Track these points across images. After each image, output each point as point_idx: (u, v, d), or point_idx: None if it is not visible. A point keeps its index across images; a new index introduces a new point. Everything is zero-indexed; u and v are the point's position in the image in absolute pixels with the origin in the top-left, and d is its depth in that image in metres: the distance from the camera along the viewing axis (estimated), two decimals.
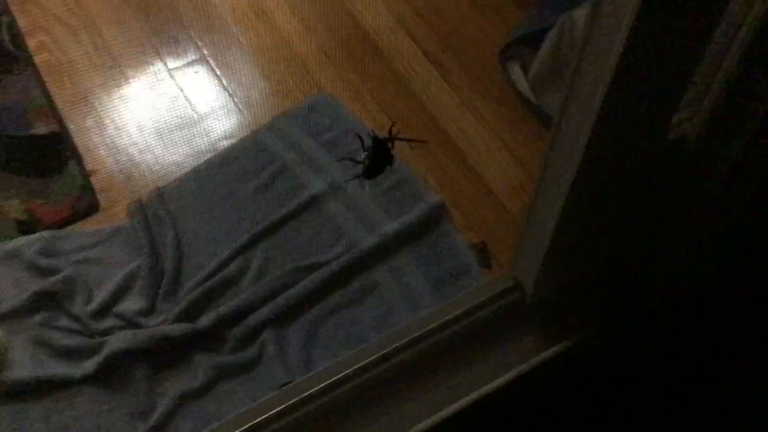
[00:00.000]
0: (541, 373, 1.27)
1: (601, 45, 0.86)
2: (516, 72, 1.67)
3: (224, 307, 1.32)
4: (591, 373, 1.34)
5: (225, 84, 1.62)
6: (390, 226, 1.44)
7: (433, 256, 1.43)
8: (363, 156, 1.20)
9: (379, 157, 1.19)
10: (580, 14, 1.55)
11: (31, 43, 1.62)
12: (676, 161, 1.20)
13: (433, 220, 1.47)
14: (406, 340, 1.28)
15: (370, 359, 1.25)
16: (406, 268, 1.41)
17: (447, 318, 1.31)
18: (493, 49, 1.69)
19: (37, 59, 1.60)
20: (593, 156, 1.01)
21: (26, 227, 1.40)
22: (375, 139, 1.19)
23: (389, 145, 1.20)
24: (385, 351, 1.26)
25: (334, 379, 1.21)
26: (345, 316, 1.36)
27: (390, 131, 1.20)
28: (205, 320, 1.31)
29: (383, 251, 1.42)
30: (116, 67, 1.61)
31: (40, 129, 1.51)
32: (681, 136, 1.17)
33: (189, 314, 1.32)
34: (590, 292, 1.33)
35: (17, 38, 1.61)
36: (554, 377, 1.30)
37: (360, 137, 1.20)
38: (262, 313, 1.32)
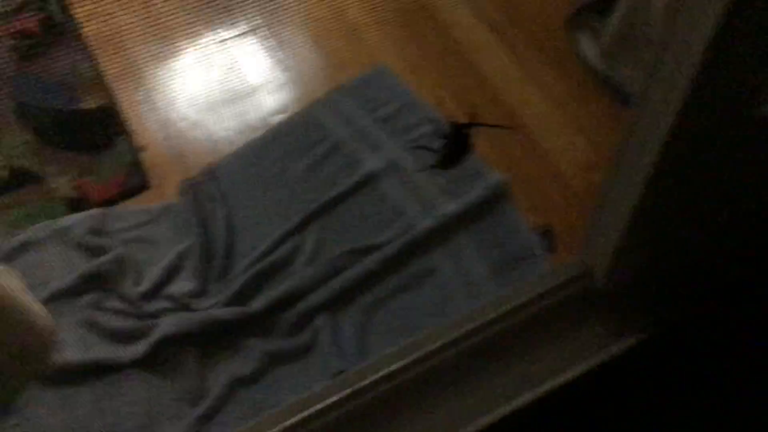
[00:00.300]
0: (612, 367, 1.19)
1: (694, 12, 0.77)
2: (585, 41, 1.56)
3: (276, 290, 1.27)
4: (664, 369, 1.26)
5: (278, 56, 1.55)
6: (449, 207, 1.36)
7: (494, 240, 1.35)
8: (439, 144, 1.11)
9: (456, 146, 1.10)
10: None
11: (80, 13, 1.57)
12: (766, 143, 1.09)
13: (494, 201, 1.38)
14: (465, 329, 1.21)
15: (427, 349, 1.18)
16: (466, 252, 1.34)
17: (510, 307, 1.24)
18: (559, 17, 1.58)
19: (85, 29, 1.55)
20: (679, 134, 0.92)
21: (75, 205, 1.36)
22: (454, 125, 1.09)
23: (468, 132, 1.10)
24: (443, 341, 1.20)
25: (389, 369, 1.15)
26: (401, 302, 1.30)
27: (471, 116, 1.11)
28: (256, 304, 1.26)
29: (441, 233, 1.35)
30: (167, 38, 1.56)
31: (90, 103, 1.47)
32: None
33: (240, 297, 1.27)
34: (667, 282, 1.24)
35: (66, 7, 1.57)
36: (625, 372, 1.22)
37: (436, 123, 1.11)
38: (315, 297, 1.27)
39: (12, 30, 1.53)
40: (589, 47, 1.55)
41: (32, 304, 1.14)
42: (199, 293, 1.28)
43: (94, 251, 1.31)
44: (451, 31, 1.59)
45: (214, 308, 1.25)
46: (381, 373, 1.16)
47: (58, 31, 1.55)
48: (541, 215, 1.39)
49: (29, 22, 1.55)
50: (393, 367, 1.16)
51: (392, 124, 1.46)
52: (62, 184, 1.38)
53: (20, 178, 1.38)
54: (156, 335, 1.22)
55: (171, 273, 1.30)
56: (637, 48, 1.49)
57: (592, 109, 1.50)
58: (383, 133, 1.44)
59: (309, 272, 1.29)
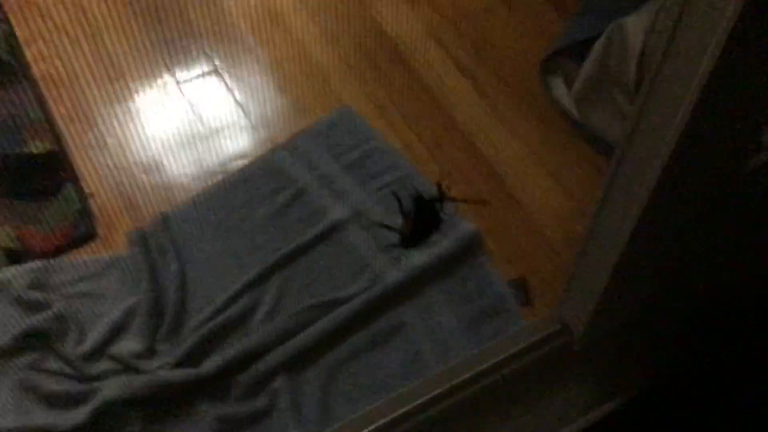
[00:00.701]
0: None
1: (686, 59, 0.71)
2: (558, 86, 1.51)
3: (231, 349, 1.17)
4: None
5: (238, 98, 1.48)
6: (418, 259, 1.28)
7: (465, 293, 1.28)
8: (401, 222, 0.98)
9: (422, 222, 0.98)
10: (632, 22, 1.39)
11: (29, 53, 1.49)
12: (752, 193, 1.04)
13: (466, 252, 1.31)
14: (437, 391, 1.13)
15: (396, 413, 1.10)
16: (436, 306, 1.26)
17: (484, 366, 1.16)
18: (532, 61, 1.53)
19: (35, 70, 1.47)
20: (665, 188, 0.85)
21: (16, 256, 1.26)
22: (418, 200, 0.96)
23: (437, 205, 0.97)
24: (413, 404, 1.12)
25: None
26: (368, 360, 1.21)
27: (439, 188, 0.98)
28: (209, 365, 1.16)
29: (411, 286, 1.27)
30: (120, 79, 1.48)
31: (36, 147, 1.37)
32: (761, 165, 1.01)
33: (192, 358, 1.17)
34: (651, 341, 1.17)
35: (14, 48, 1.49)
36: None
37: (398, 198, 0.97)
38: (274, 357, 1.18)
39: None
40: (562, 92, 1.51)
41: None
42: (147, 353, 1.17)
43: (35, 308, 1.20)
44: (421, 74, 1.53)
45: (162, 370, 1.15)
46: None
47: (5, 71, 1.46)
48: (515, 266, 1.32)
49: None
50: None
51: (358, 170, 1.38)
52: (2, 233, 1.28)
53: None
54: (98, 400, 1.12)
55: (116, 331, 1.20)
56: (611, 94, 1.44)
57: (567, 155, 1.45)
58: (349, 180, 1.37)
59: (267, 329, 1.20)
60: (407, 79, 1.52)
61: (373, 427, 1.08)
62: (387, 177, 1.37)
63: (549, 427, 1.10)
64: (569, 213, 1.37)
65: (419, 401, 1.10)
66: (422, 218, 0.95)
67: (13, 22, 1.52)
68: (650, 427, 1.14)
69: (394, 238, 0.96)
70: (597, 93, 1.45)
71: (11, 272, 1.24)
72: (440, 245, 1.30)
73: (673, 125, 0.76)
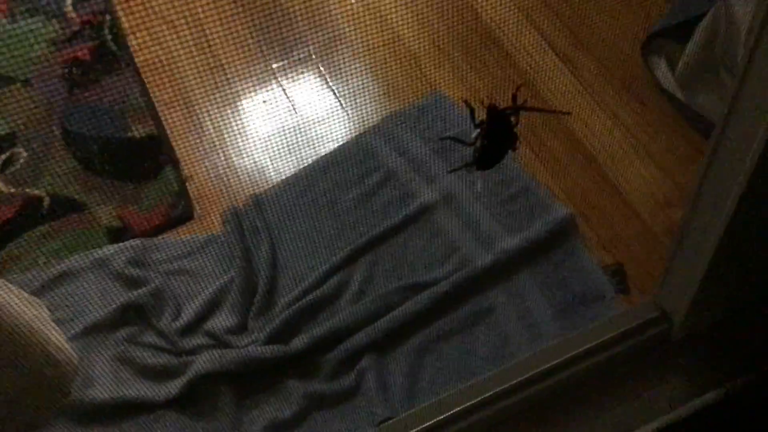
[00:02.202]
0: (689, 425, 1.05)
1: None
2: (661, 67, 1.45)
3: (320, 328, 1.18)
4: (749, 428, 1.11)
5: (331, 84, 1.49)
6: (510, 242, 1.26)
7: (559, 278, 1.24)
8: (474, 136, 0.87)
9: (496, 138, 0.88)
10: (739, 1, 1.32)
11: (133, 42, 1.55)
12: None
13: (560, 237, 1.27)
14: (526, 376, 1.10)
15: (483, 397, 1.08)
16: (527, 291, 1.23)
17: (576, 352, 1.12)
18: (632, 43, 1.47)
19: (138, 58, 1.52)
20: (764, 167, 0.80)
21: (117, 234, 1.31)
22: (492, 110, 0.85)
23: (512, 119, 0.86)
24: (501, 388, 1.09)
25: (439, 419, 1.05)
26: (455, 344, 1.19)
27: (514, 98, 0.87)
28: (298, 342, 1.17)
29: (501, 271, 1.24)
30: (218, 67, 1.51)
31: (138, 131, 1.43)
32: None
33: (282, 335, 1.19)
34: (753, 328, 1.10)
35: (119, 37, 1.55)
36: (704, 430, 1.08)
37: (470, 107, 0.83)
38: (362, 337, 1.17)
39: (65, 58, 1.52)
40: (665, 74, 1.44)
41: (53, 336, 1.08)
42: (239, 329, 1.20)
43: (133, 283, 1.25)
44: (515, 58, 1.50)
45: (253, 346, 1.16)
46: (430, 423, 1.05)
47: (110, 59, 1.52)
48: (611, 253, 1.27)
49: (82, 50, 1.53)
50: (443, 417, 1.05)
51: (450, 153, 1.37)
52: (104, 213, 1.33)
53: (62, 207, 1.33)
54: (192, 373, 1.15)
55: (211, 307, 1.22)
56: (717, 75, 1.37)
57: (669, 138, 1.38)
58: (439, 164, 1.35)
59: (356, 310, 1.20)
60: (501, 64, 1.49)
61: (459, 409, 1.06)
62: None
63: (642, 417, 1.05)
64: (671, 199, 1.31)
65: (507, 386, 1.07)
66: (496, 131, 0.85)
67: (119, 12, 1.59)
68: (746, 421, 1.07)
69: (467, 156, 0.87)
70: (703, 74, 1.38)
71: (112, 249, 1.29)
72: (533, 229, 1.27)
73: None
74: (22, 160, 1.38)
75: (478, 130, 0.83)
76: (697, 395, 1.05)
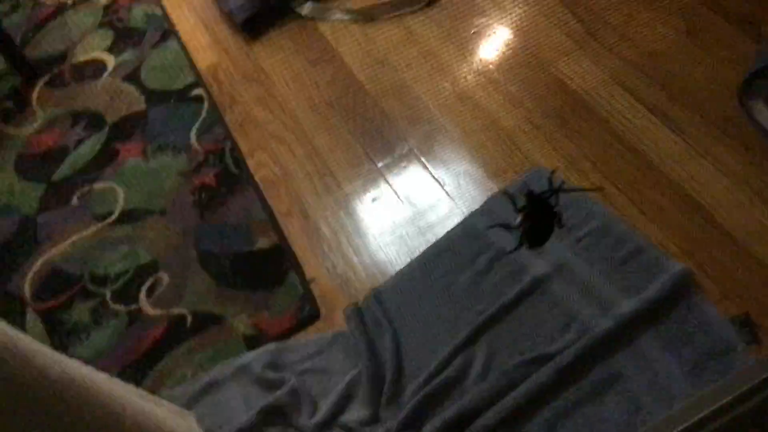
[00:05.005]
0: None
1: None
2: (761, 109, 1.43)
3: (449, 411, 1.21)
4: None
5: (435, 174, 1.56)
6: (627, 305, 1.26)
7: (684, 336, 1.22)
8: (518, 220, 0.98)
9: (539, 218, 0.97)
10: None
11: (251, 162, 1.69)
12: None
13: (679, 293, 1.26)
14: None
15: None
16: (653, 353, 1.21)
17: (711, 409, 1.09)
18: (727, 89, 1.47)
19: (256, 176, 1.66)
20: None
21: (253, 341, 1.41)
22: (530, 195, 0.96)
23: (551, 200, 0.96)
24: None
25: None
26: (586, 414, 1.19)
27: (550, 182, 0.97)
28: (429, 427, 1.21)
29: (623, 335, 1.24)
30: (329, 173, 1.63)
31: (263, 243, 1.54)
32: None
33: (413, 421, 1.23)
34: None
35: (238, 160, 1.70)
36: None
37: (511, 197, 0.96)
38: (491, 415, 1.20)
39: (194, 186, 1.68)
40: (766, 114, 1.42)
41: None
42: (372, 420, 1.25)
43: (272, 385, 1.33)
44: (609, 122, 1.53)
45: None
46: None
47: (233, 181, 1.67)
48: (735, 303, 1.24)
49: (208, 176, 1.69)
50: None
51: (557, 222, 1.39)
52: (240, 322, 1.44)
53: (204, 322, 1.46)
54: None
55: (344, 401, 1.29)
56: None
57: None
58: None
59: (482, 388, 1.23)
60: (595, 128, 1.52)
61: None
62: (585, 228, 1.37)
63: None
64: None
65: None
66: (536, 214, 0.94)
67: (236, 137, 1.74)
68: None
69: (516, 238, 0.97)
70: None
71: (250, 356, 1.38)
72: (650, 289, 1.27)
73: None
74: (164, 284, 1.53)
75: (521, 216, 0.92)
76: None
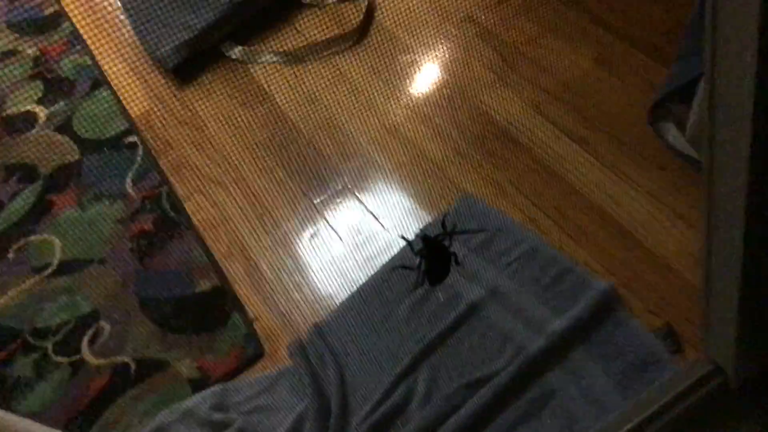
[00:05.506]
0: None
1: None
2: (672, 131, 1.52)
3: None
4: None
5: (369, 207, 1.61)
6: (558, 324, 1.32)
7: (613, 350, 1.28)
8: (418, 261, 1.10)
9: (437, 260, 1.08)
10: None
11: (189, 206, 1.71)
12: None
13: (605, 310, 1.32)
14: None
15: None
16: (585, 368, 1.27)
17: (641, 418, 1.16)
18: (640, 114, 1.56)
19: (194, 220, 1.68)
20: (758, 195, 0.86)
21: (199, 384, 1.42)
22: (425, 239, 1.09)
23: (445, 242, 1.08)
24: None
25: None
26: (526, 430, 1.23)
27: (443, 225, 1.10)
28: None
29: (556, 352, 1.30)
30: (266, 213, 1.66)
31: (204, 285, 1.56)
32: None
33: None
34: None
35: (176, 205, 1.72)
36: None
37: (406, 240, 1.07)
38: None
39: (132, 233, 1.69)
40: (677, 136, 1.51)
41: None
42: None
43: (219, 427, 1.34)
44: (533, 150, 1.60)
45: None
46: None
47: (171, 226, 1.68)
48: (659, 316, 1.31)
49: (145, 222, 1.70)
50: None
51: (486, 251, 1.45)
52: (185, 366, 1.45)
53: (148, 368, 1.46)
54: None
55: None
56: None
57: (692, 197, 1.44)
58: (479, 261, 1.44)
59: (426, 414, 1.27)
60: (520, 156, 1.59)
61: None
62: (514, 252, 1.43)
63: None
64: None
65: None
66: (434, 256, 1.07)
67: (173, 182, 1.76)
68: None
69: (417, 277, 1.09)
70: None
71: (196, 399, 1.39)
72: (577, 307, 1.33)
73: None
74: (106, 333, 1.53)
75: (420, 258, 1.03)
76: None
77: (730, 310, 1.02)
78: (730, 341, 1.07)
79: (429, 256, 1.06)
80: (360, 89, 1.84)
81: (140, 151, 1.85)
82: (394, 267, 1.41)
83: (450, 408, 1.27)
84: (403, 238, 1.07)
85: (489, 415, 1.25)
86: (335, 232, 1.59)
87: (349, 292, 1.48)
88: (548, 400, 1.25)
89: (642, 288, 1.35)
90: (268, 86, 1.92)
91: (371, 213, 1.60)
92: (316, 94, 1.87)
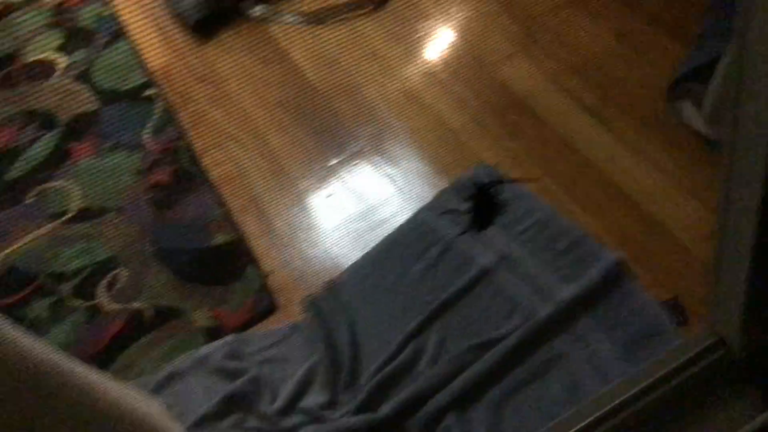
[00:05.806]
0: None
1: None
2: (688, 109, 1.54)
3: (403, 393, 1.28)
4: None
5: (385, 171, 1.63)
6: (567, 291, 1.35)
7: (619, 319, 1.32)
8: (466, 207, 1.16)
9: (484, 205, 1.14)
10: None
11: (206, 161, 1.73)
12: None
13: (613, 280, 1.36)
14: (599, 413, 1.17)
15: None
16: (591, 335, 1.31)
17: (643, 385, 1.19)
18: (658, 91, 1.58)
19: (211, 174, 1.70)
20: None
21: (213, 333, 1.46)
22: (477, 186, 1.13)
23: (494, 189, 1.15)
24: (578, 427, 1.16)
25: None
26: (530, 392, 1.27)
27: (492, 173, 1.14)
28: (386, 409, 1.28)
29: (563, 319, 1.33)
30: (282, 171, 1.68)
31: (220, 239, 1.59)
32: None
33: (370, 404, 1.29)
34: None
35: (193, 159, 1.74)
36: None
37: (458, 187, 1.11)
38: (443, 397, 1.27)
39: (149, 184, 1.71)
40: (693, 115, 1.53)
41: (176, 428, 1.21)
42: (331, 404, 1.31)
43: (233, 375, 1.38)
44: (550, 122, 1.62)
45: (345, 417, 1.28)
46: None
47: (188, 179, 1.71)
48: (666, 289, 1.34)
49: (163, 175, 1.72)
50: None
51: (500, 217, 1.48)
52: (200, 316, 1.48)
53: (164, 316, 1.50)
54: None
55: (303, 388, 1.34)
56: None
57: (707, 174, 1.47)
58: (492, 228, 1.46)
59: (434, 372, 1.31)
60: (536, 127, 1.61)
61: None
62: (527, 221, 1.46)
63: None
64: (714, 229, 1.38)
65: (583, 424, 1.15)
66: (483, 202, 1.14)
67: (190, 137, 1.78)
68: None
69: (464, 222, 1.16)
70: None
71: (210, 348, 1.43)
72: (587, 277, 1.36)
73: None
74: (123, 279, 1.56)
75: (469, 202, 1.09)
76: (763, 410, 1.10)
77: (738, 285, 1.05)
78: (735, 315, 1.10)
79: (477, 202, 1.13)
80: (379, 53, 1.86)
81: (159, 105, 1.87)
82: (443, 212, 1.45)
83: (458, 367, 1.30)
84: (455, 186, 1.17)
85: (495, 377, 1.29)
86: (350, 193, 1.61)
87: (361, 253, 1.51)
88: (554, 364, 1.29)
89: (651, 261, 1.38)
90: (288, 46, 1.93)
91: (388, 176, 1.62)
92: (336, 56, 1.88)
